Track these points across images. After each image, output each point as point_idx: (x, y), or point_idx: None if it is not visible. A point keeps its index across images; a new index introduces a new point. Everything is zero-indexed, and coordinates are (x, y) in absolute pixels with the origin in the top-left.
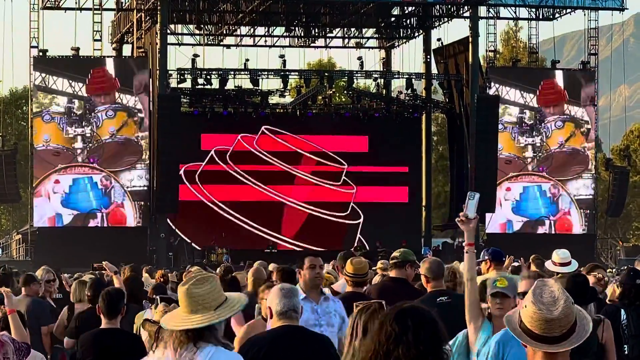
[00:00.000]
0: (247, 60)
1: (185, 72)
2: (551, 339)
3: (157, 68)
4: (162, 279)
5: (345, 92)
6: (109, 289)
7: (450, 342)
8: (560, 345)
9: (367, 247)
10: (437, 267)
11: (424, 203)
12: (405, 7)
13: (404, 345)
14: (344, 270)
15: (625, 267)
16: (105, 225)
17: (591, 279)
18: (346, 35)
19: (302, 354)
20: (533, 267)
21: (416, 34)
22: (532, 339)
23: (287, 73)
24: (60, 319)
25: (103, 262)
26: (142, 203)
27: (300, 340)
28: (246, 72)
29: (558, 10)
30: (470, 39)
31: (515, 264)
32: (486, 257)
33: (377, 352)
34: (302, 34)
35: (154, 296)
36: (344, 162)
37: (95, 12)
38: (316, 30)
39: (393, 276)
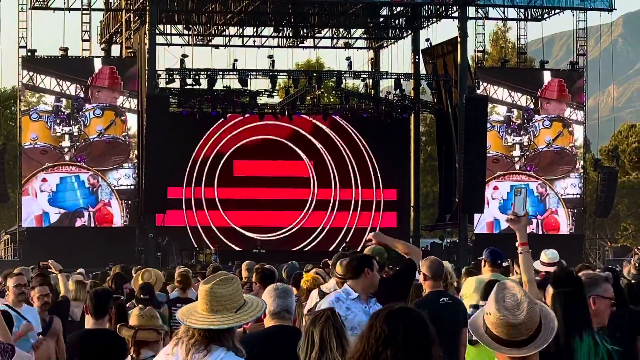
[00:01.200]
0: (235, 60)
1: (174, 72)
2: (518, 343)
3: (146, 68)
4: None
5: (333, 92)
6: (96, 289)
7: None
8: (528, 348)
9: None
10: (437, 266)
11: (412, 203)
12: (394, 8)
13: (393, 347)
14: (335, 272)
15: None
16: (92, 223)
17: None
18: (335, 36)
19: (293, 353)
20: (517, 269)
21: (405, 35)
22: (499, 345)
23: (276, 73)
24: None
25: (49, 261)
26: (129, 202)
27: (292, 340)
28: (235, 73)
29: (547, 10)
30: (458, 39)
31: (505, 264)
32: (483, 257)
33: (366, 353)
34: (291, 34)
35: (141, 296)
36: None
37: (84, 12)
38: (305, 31)
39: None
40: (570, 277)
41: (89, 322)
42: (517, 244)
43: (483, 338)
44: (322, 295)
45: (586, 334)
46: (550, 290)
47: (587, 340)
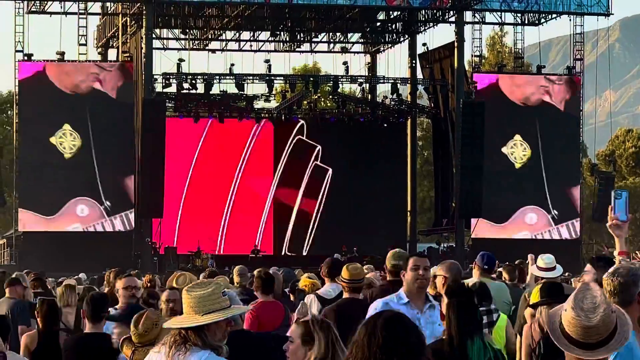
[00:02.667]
0: (232, 64)
1: (171, 76)
2: (585, 345)
3: (143, 72)
4: (149, 284)
5: (330, 97)
6: (93, 293)
7: None
8: (595, 352)
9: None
10: (457, 269)
11: (409, 208)
12: (391, 12)
13: (396, 355)
14: (341, 277)
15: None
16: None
17: (575, 283)
18: (331, 40)
19: (247, 352)
20: (505, 275)
21: (402, 39)
22: (569, 343)
23: (273, 78)
24: None
25: None
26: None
27: (244, 342)
28: (231, 77)
29: (543, 15)
30: (455, 43)
31: (501, 269)
32: (475, 261)
33: None
34: (288, 39)
35: (150, 301)
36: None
37: (80, 16)
38: (301, 35)
39: (392, 279)
40: (462, 289)
41: (87, 326)
42: (615, 253)
43: (555, 333)
44: (322, 300)
45: (477, 337)
46: (445, 299)
47: (478, 343)
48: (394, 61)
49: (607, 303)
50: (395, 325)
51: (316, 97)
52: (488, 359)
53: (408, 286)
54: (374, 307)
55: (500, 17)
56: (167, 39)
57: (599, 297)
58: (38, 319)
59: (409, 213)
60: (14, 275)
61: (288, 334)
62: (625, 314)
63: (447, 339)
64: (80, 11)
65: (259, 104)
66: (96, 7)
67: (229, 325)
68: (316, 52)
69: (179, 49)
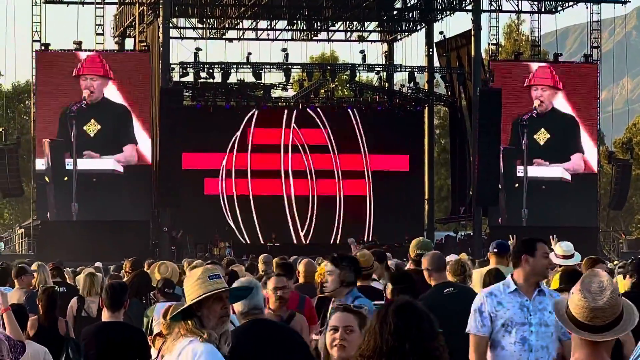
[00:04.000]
0: (249, 53)
1: (188, 65)
2: (593, 328)
3: (160, 62)
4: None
5: (347, 85)
6: (112, 282)
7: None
8: (602, 335)
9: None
10: (438, 259)
11: (426, 196)
12: (408, 0)
13: (409, 341)
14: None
15: (634, 259)
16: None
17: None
18: (349, 29)
19: (270, 345)
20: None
21: (418, 27)
22: (575, 326)
23: (290, 66)
24: (70, 309)
25: None
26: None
27: (265, 331)
28: (248, 66)
29: (560, 3)
30: (472, 32)
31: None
32: (490, 249)
33: (380, 348)
34: (305, 28)
35: (165, 289)
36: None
37: (97, 5)
38: (319, 24)
39: (416, 268)
40: (404, 276)
41: (105, 315)
42: None
43: (562, 317)
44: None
45: None
46: (389, 286)
47: None
48: (411, 49)
49: (614, 287)
50: (407, 312)
51: (333, 85)
52: None
53: (533, 272)
54: (479, 297)
55: (517, 5)
56: (184, 28)
57: (605, 282)
58: (39, 307)
59: (426, 201)
60: (21, 264)
61: (345, 324)
62: (631, 304)
63: None
64: (97, 1)
65: (276, 93)
66: None
67: (224, 307)
68: (333, 40)
69: (196, 38)
